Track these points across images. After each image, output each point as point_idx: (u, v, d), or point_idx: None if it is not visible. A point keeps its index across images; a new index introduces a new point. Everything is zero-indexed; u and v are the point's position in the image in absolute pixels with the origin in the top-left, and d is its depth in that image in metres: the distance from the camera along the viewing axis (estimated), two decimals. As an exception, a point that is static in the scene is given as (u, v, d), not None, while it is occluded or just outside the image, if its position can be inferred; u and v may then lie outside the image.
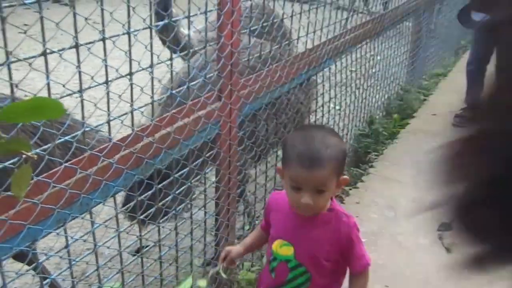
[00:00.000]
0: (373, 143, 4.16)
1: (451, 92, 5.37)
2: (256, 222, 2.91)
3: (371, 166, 3.89)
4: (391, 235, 3.09)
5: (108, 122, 1.56)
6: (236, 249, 1.71)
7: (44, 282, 1.49)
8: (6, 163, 1.26)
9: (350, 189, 3.57)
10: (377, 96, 4.52)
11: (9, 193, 1.21)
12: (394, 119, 4.65)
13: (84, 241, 1.65)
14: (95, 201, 1.54)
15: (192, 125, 1.86)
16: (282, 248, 1.54)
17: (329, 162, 1.41)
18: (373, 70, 4.27)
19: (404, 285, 2.68)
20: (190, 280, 1.91)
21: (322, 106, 3.23)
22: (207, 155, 2.06)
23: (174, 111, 1.79)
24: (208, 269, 2.16)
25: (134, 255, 2.02)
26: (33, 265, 1.70)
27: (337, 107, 3.70)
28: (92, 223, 1.58)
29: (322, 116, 3.28)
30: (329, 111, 3.44)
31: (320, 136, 1.45)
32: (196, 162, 2.01)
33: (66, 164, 1.40)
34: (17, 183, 1.14)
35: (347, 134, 3.90)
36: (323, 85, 3.22)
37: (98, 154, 1.49)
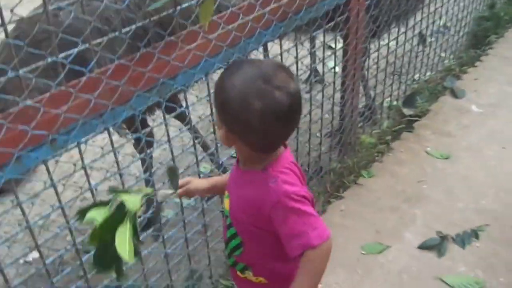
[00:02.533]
0: (493, 26, 4.11)
1: None
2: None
3: (491, 48, 3.89)
4: (508, 106, 3.18)
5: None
6: (198, 182, 1.46)
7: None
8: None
9: (468, 68, 3.64)
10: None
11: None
12: (518, 3, 4.49)
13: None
14: (252, 46, 1.86)
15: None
16: (225, 200, 1.31)
17: (214, 94, 1.19)
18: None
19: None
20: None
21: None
22: (339, 18, 2.28)
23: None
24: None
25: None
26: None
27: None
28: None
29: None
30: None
31: (228, 74, 1.16)
32: (329, 24, 2.25)
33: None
34: (203, 14, 1.47)
35: (466, 17, 3.89)
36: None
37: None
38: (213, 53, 1.73)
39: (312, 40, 2.48)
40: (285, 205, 1.12)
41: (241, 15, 1.76)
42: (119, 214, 1.19)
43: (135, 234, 1.19)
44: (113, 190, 1.22)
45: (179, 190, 1.41)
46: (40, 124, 1.28)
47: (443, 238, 2.28)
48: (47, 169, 1.40)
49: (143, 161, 2.27)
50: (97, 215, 1.17)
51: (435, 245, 2.26)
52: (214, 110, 1.27)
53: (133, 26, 1.44)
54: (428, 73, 3.56)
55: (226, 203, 1.29)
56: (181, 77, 1.66)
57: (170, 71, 1.59)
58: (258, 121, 1.08)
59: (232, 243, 1.29)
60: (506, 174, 2.62)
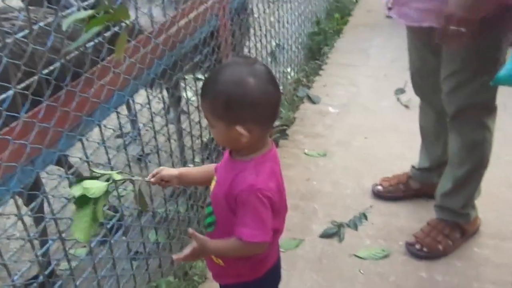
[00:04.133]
0: (323, 39, 4.66)
1: (379, -12, 5.93)
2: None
3: (327, 58, 4.41)
4: (359, 104, 3.66)
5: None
6: (169, 169, 1.50)
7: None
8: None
9: (314, 77, 4.09)
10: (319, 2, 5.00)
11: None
12: (336, 18, 5.15)
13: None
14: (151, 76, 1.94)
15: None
16: (212, 183, 1.41)
17: (207, 99, 1.26)
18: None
19: (378, 134, 3.27)
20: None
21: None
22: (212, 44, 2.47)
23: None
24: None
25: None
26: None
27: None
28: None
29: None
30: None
31: (223, 71, 1.28)
32: (207, 49, 2.42)
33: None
34: (118, 48, 1.53)
35: (301, 34, 4.36)
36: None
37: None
38: (122, 86, 1.78)
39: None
40: (247, 196, 1.24)
41: (141, 47, 1.85)
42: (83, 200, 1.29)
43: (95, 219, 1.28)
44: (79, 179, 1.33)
45: (153, 179, 1.46)
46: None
47: (339, 226, 2.56)
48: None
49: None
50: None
51: (334, 233, 2.53)
52: (213, 118, 1.27)
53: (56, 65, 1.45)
54: (281, 87, 3.92)
55: (212, 185, 1.39)
56: (98, 113, 1.69)
57: (90, 108, 1.61)
58: (265, 96, 1.24)
59: (207, 220, 1.41)
60: (375, 158, 3.03)
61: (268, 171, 1.30)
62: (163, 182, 1.48)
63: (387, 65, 4.21)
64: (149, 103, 2.08)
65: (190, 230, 1.33)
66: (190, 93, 2.36)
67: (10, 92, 1.30)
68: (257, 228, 1.26)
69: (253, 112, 1.23)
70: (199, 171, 1.55)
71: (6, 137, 1.28)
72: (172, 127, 2.67)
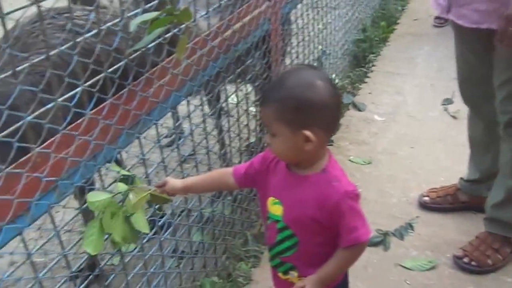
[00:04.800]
0: (369, 47, 4.63)
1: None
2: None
3: (373, 65, 4.38)
4: (405, 112, 3.61)
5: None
6: (174, 182, 1.49)
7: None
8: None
9: (359, 85, 4.06)
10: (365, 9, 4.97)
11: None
12: (382, 26, 5.10)
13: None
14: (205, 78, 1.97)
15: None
16: (273, 207, 1.37)
17: (274, 103, 1.24)
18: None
19: (425, 144, 3.22)
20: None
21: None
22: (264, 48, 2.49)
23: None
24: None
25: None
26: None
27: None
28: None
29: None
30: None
31: (290, 76, 1.28)
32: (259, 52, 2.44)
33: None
34: (180, 49, 1.56)
35: (347, 41, 4.35)
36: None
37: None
38: (179, 87, 1.82)
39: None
40: (346, 203, 1.26)
41: (198, 49, 1.88)
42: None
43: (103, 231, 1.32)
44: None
45: (158, 190, 1.46)
46: (49, 170, 1.27)
47: (384, 234, 2.53)
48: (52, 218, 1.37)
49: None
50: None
51: (380, 241, 2.50)
52: (278, 124, 1.25)
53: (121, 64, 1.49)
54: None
55: (276, 209, 1.35)
56: (156, 112, 1.72)
57: (148, 107, 1.65)
58: (332, 100, 1.25)
59: (284, 245, 1.36)
60: (421, 168, 2.98)
61: (343, 172, 1.34)
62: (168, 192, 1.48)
63: (434, 74, 4.15)
64: (202, 104, 2.11)
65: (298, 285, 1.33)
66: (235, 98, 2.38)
67: (79, 89, 1.34)
68: (365, 225, 1.31)
69: (321, 115, 1.24)
70: (206, 180, 1.54)
71: (73, 132, 1.32)
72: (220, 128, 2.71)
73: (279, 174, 1.38)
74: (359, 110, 3.69)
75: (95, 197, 1.35)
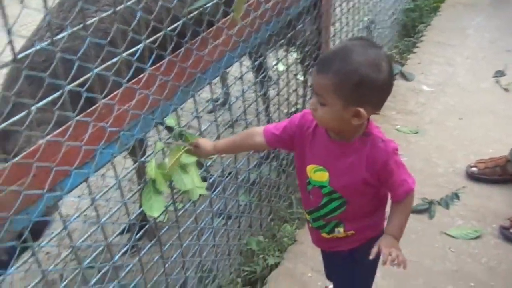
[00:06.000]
0: (419, 17, 4.53)
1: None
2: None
3: (423, 35, 4.29)
4: (455, 84, 3.55)
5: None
6: (205, 145, 1.57)
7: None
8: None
9: (408, 55, 3.99)
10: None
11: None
12: (433, -5, 4.98)
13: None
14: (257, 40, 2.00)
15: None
16: (316, 174, 1.39)
17: (335, 75, 1.22)
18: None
19: (475, 116, 3.16)
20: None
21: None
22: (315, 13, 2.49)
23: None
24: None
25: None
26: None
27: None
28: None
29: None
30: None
31: (354, 50, 1.23)
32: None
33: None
34: (237, 9, 1.59)
35: (396, 10, 4.27)
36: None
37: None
38: (232, 48, 1.85)
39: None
40: (393, 160, 1.31)
41: (251, 11, 1.90)
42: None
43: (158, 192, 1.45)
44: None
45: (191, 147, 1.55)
46: (112, 121, 1.33)
47: (429, 203, 2.53)
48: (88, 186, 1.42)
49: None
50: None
51: (425, 209, 2.50)
52: (332, 96, 1.25)
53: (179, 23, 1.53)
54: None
55: (320, 176, 1.39)
56: (210, 71, 1.77)
57: (203, 66, 1.69)
58: (390, 81, 1.26)
59: (331, 206, 1.41)
60: (469, 140, 2.94)
61: (381, 131, 1.38)
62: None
63: (486, 46, 4.03)
64: (253, 66, 2.14)
65: (374, 250, 1.33)
66: (281, 66, 2.40)
67: (140, 45, 1.39)
68: (409, 173, 1.36)
69: (377, 95, 1.26)
70: (235, 141, 1.60)
71: (134, 86, 1.38)
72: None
73: (319, 141, 1.39)
74: (407, 79, 3.64)
75: (152, 165, 1.45)
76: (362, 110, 1.22)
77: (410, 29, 4.42)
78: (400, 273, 2.08)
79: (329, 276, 1.83)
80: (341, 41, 1.29)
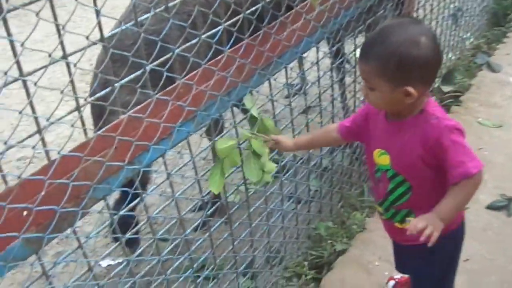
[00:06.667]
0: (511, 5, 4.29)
1: None
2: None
3: (513, 25, 4.07)
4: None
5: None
6: (286, 142, 1.62)
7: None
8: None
9: (496, 45, 3.81)
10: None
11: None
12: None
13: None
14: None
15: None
16: (380, 158, 1.40)
17: (375, 61, 1.25)
18: None
19: None
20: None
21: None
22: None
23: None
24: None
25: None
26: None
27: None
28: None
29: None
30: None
31: (391, 31, 1.25)
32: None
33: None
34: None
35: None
36: None
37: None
38: (310, 33, 1.86)
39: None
40: (447, 138, 1.24)
41: (331, -4, 1.89)
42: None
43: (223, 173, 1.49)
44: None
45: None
46: (190, 101, 1.39)
47: (509, 199, 2.42)
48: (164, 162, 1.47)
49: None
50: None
51: (503, 206, 2.40)
52: (379, 80, 1.26)
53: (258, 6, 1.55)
54: (458, 52, 3.72)
55: (383, 159, 1.39)
56: (288, 55, 1.79)
57: (280, 50, 1.71)
58: (434, 56, 1.24)
59: (398, 191, 1.39)
60: (557, 137, 2.78)
61: (443, 111, 1.32)
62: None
63: None
64: (330, 52, 2.14)
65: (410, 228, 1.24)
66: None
67: (221, 27, 1.43)
68: (473, 158, 1.24)
69: (423, 72, 1.24)
70: (314, 139, 1.68)
71: (213, 67, 1.42)
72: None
73: (379, 125, 1.41)
74: (494, 71, 3.47)
75: (223, 144, 1.50)
76: (410, 88, 1.23)
77: (501, 18, 4.19)
78: (473, 270, 2.03)
79: (399, 268, 1.79)
80: (380, 24, 1.30)
